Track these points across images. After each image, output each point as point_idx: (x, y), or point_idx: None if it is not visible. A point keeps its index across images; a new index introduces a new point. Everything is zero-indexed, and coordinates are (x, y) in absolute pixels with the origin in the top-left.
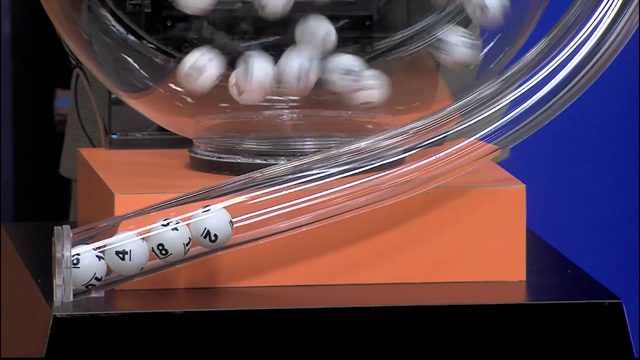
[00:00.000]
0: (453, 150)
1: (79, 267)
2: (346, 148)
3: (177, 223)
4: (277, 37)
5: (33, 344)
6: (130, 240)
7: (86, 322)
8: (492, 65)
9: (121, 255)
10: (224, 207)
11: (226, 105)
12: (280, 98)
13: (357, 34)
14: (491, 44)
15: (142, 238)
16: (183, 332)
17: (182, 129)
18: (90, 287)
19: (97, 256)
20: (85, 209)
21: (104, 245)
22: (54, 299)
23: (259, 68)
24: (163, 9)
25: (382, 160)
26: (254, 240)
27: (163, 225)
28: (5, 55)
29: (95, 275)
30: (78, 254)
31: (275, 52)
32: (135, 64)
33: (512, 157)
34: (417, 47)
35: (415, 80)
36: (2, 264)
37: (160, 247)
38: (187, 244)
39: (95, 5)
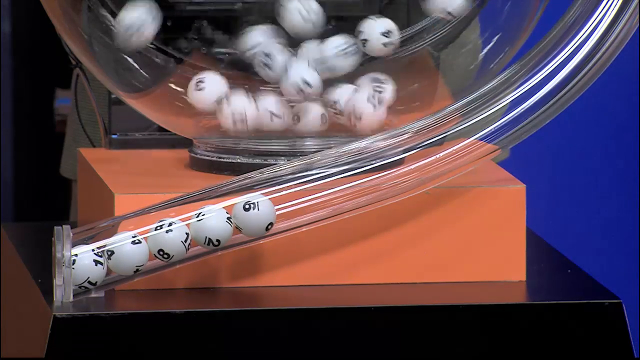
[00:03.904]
0: (453, 150)
1: (73, 269)
2: (346, 148)
3: (169, 225)
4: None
5: (33, 344)
6: (123, 242)
7: (86, 322)
8: (492, 65)
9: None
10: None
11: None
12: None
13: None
14: (491, 44)
15: (138, 239)
16: (183, 332)
17: (182, 129)
18: (82, 288)
19: (94, 260)
20: (85, 209)
21: (104, 246)
22: (54, 299)
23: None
24: (163, 9)
25: (382, 160)
26: (254, 240)
27: (157, 228)
28: (5, 55)
29: (89, 279)
30: (76, 255)
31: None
32: (135, 64)
33: (512, 157)
34: (417, 47)
35: (415, 80)
36: (2, 264)
37: (162, 252)
38: (186, 240)
39: (95, 5)
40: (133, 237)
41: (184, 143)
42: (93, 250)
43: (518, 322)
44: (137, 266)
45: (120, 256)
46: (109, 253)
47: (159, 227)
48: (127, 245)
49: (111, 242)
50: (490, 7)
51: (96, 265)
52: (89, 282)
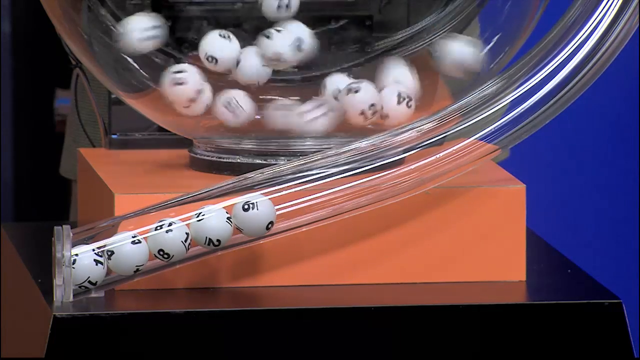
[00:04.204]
0: (453, 150)
1: (74, 268)
2: (346, 148)
3: (169, 225)
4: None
5: (33, 344)
6: (123, 242)
7: (86, 322)
8: (492, 65)
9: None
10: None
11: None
12: (279, 97)
13: (357, 34)
14: (491, 44)
15: (138, 239)
16: (183, 332)
17: (182, 129)
18: (82, 288)
19: (95, 260)
20: (85, 209)
21: (104, 246)
22: (54, 299)
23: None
24: (163, 8)
25: (382, 160)
26: (255, 240)
27: (157, 228)
28: (5, 55)
29: (89, 278)
30: (76, 255)
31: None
32: (135, 64)
33: (512, 157)
34: (417, 47)
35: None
36: (2, 264)
37: (162, 252)
38: (186, 240)
39: (95, 5)
40: (133, 237)
41: (184, 143)
42: (93, 250)
43: (518, 322)
44: (137, 266)
45: (120, 256)
46: (109, 253)
47: (159, 227)
48: (127, 245)
49: (111, 242)
50: (490, 7)
51: (96, 264)
52: (89, 282)
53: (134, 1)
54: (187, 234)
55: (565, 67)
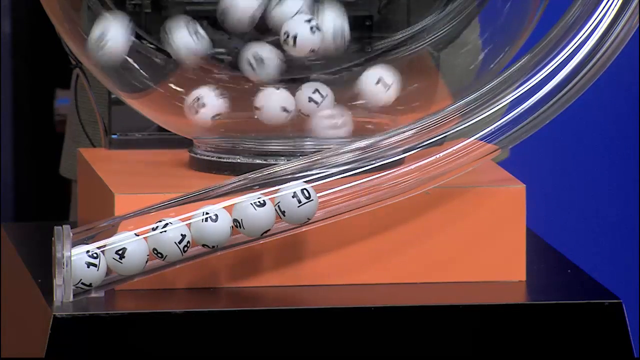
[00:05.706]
0: (453, 150)
1: (67, 270)
2: (346, 148)
3: (165, 225)
4: (277, 37)
5: (33, 344)
6: (128, 241)
7: (86, 322)
8: (492, 65)
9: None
10: (224, 208)
11: (226, 105)
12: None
13: (357, 34)
14: (491, 44)
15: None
16: (183, 332)
17: (182, 129)
18: (79, 288)
19: (86, 262)
20: (85, 209)
21: (103, 246)
22: (54, 299)
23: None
24: (163, 9)
25: (382, 160)
26: (255, 240)
27: (153, 228)
28: (5, 55)
29: (82, 280)
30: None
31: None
32: (135, 64)
33: (512, 157)
34: (417, 47)
35: (415, 80)
36: (2, 264)
37: (156, 251)
38: (181, 242)
39: (95, 5)
40: (135, 234)
41: (184, 143)
42: (87, 252)
43: (518, 322)
44: (147, 255)
45: (132, 251)
46: (121, 251)
47: (154, 228)
48: (136, 241)
49: (119, 240)
50: (490, 7)
51: (88, 267)
52: (83, 284)
53: (134, 1)
54: (182, 235)
55: (565, 67)
